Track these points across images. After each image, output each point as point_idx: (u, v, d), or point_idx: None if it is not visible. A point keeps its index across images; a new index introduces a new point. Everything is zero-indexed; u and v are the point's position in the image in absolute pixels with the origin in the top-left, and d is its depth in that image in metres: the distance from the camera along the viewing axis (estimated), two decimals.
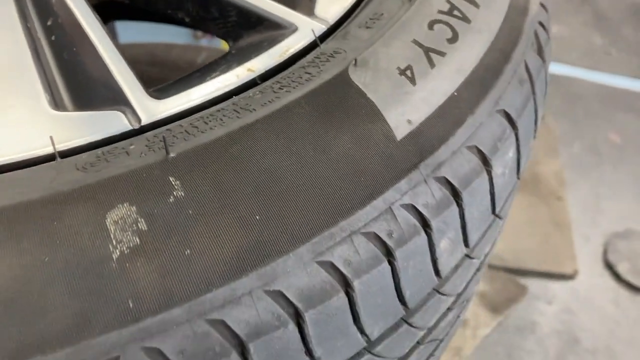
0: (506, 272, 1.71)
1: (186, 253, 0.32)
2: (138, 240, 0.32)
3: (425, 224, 0.39)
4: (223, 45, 1.53)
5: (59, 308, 0.30)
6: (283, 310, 0.33)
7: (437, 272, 0.42)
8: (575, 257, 1.71)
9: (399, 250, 0.38)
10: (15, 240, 0.31)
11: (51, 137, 0.37)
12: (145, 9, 0.57)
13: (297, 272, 0.34)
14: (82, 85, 0.44)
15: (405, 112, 0.41)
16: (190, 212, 0.33)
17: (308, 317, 0.34)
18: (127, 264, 0.31)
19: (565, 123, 2.01)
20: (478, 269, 0.52)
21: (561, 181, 1.88)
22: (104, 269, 0.31)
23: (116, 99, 0.42)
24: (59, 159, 0.37)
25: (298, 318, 0.34)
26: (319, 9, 0.51)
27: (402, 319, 0.42)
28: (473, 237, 0.45)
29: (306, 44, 0.47)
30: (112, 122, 0.40)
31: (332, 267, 0.35)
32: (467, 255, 0.46)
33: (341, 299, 0.36)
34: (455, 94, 0.43)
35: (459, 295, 0.51)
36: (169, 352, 0.31)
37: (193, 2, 0.53)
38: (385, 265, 0.37)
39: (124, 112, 0.41)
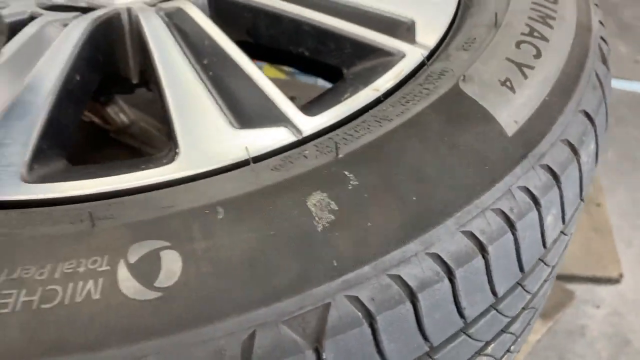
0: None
1: (368, 225, 0.43)
2: (333, 217, 0.42)
3: (536, 202, 0.49)
4: None
5: (286, 268, 0.40)
6: (440, 268, 0.44)
7: (544, 243, 0.52)
8: (619, 261, 1.75)
9: (519, 222, 0.48)
10: (246, 221, 0.42)
11: (246, 148, 0.48)
12: (268, 46, 0.69)
13: (447, 239, 0.44)
14: (244, 108, 0.55)
15: (511, 114, 0.51)
16: (365, 195, 0.44)
17: (457, 274, 0.44)
18: (329, 235, 0.42)
19: None
20: (565, 247, 0.62)
21: (599, 188, 1.95)
22: (313, 238, 0.41)
23: (279, 118, 0.53)
24: (252, 164, 0.48)
25: (450, 275, 0.44)
26: (419, 38, 0.62)
27: (517, 282, 0.52)
28: (567, 215, 0.54)
29: (415, 66, 0.58)
30: (282, 135, 0.51)
31: (472, 236, 0.45)
32: (562, 232, 0.56)
33: (480, 261, 0.46)
34: (547, 98, 0.54)
35: (553, 267, 0.60)
36: (364, 298, 0.41)
37: (313, 38, 0.65)
38: (509, 234, 0.47)
39: (287, 127, 0.52)
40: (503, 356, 0.61)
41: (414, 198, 0.45)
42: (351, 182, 0.45)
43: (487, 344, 0.54)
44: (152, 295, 0.38)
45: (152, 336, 0.37)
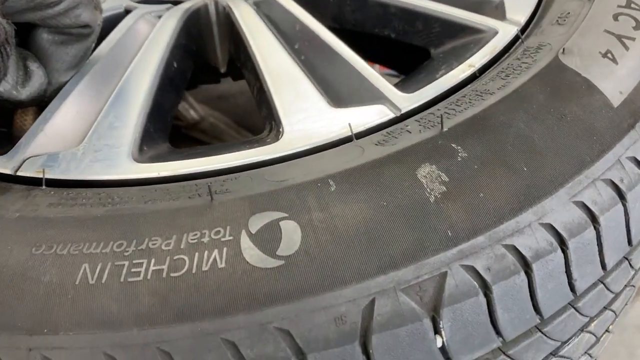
0: None
1: (480, 196, 0.43)
2: (445, 188, 0.43)
3: None
4: None
5: (401, 237, 0.41)
6: (553, 238, 0.43)
7: None
8: None
9: (629, 193, 0.47)
10: (357, 193, 0.43)
11: (349, 124, 0.49)
12: (354, 30, 0.69)
13: (560, 209, 0.44)
14: (340, 88, 0.56)
15: (615, 85, 0.50)
16: (475, 166, 0.44)
17: (571, 244, 0.44)
18: (441, 205, 0.42)
19: None
20: None
21: None
22: (426, 208, 0.42)
23: (376, 96, 0.53)
24: (355, 140, 0.49)
25: (563, 246, 0.44)
26: (509, 14, 0.61)
27: (625, 256, 0.51)
28: None
29: (509, 41, 0.58)
30: (380, 112, 0.52)
31: (583, 206, 0.45)
32: None
33: (591, 232, 0.45)
34: None
35: None
36: (480, 268, 0.41)
37: (400, 19, 0.65)
38: (620, 205, 0.46)
39: (385, 105, 0.52)
40: (602, 335, 0.60)
41: (525, 168, 0.44)
42: (460, 154, 0.45)
43: (591, 320, 0.53)
44: (275, 263, 0.39)
45: (276, 303, 0.38)
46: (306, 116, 0.52)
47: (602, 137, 0.47)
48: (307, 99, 0.53)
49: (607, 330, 0.60)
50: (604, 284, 0.50)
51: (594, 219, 0.45)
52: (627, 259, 0.51)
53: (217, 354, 0.38)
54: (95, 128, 0.52)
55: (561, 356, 0.53)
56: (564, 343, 0.52)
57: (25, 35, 0.51)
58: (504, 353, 0.46)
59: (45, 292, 0.39)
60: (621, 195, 0.46)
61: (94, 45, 0.55)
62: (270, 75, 0.56)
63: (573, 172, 0.45)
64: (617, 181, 0.46)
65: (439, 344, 0.41)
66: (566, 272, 0.45)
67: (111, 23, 0.64)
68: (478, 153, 0.45)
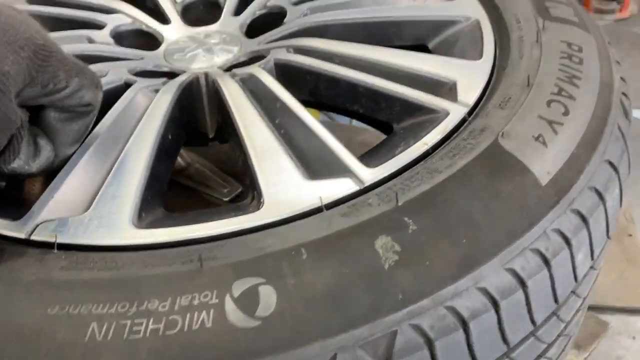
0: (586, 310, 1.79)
1: (427, 264, 0.51)
2: (397, 257, 0.51)
3: (568, 242, 0.57)
4: None
5: (360, 300, 0.49)
6: (487, 300, 0.52)
7: (575, 277, 0.59)
8: None
9: (553, 260, 0.56)
10: (325, 261, 0.51)
11: (320, 197, 0.57)
12: (327, 103, 0.79)
13: (493, 275, 0.53)
14: (313, 162, 0.65)
15: (544, 166, 0.60)
16: (423, 238, 0.53)
17: (502, 305, 0.52)
18: (394, 272, 0.50)
19: None
20: (595, 279, 0.69)
21: (630, 219, 1.97)
22: (382, 275, 0.50)
23: (344, 170, 0.62)
24: (324, 211, 0.57)
25: (496, 306, 0.52)
26: (460, 96, 0.71)
27: (553, 312, 0.60)
28: (596, 252, 0.62)
29: (458, 122, 0.67)
30: (347, 185, 0.60)
31: (514, 272, 0.54)
32: (592, 267, 0.64)
33: (520, 294, 0.54)
34: (575, 151, 0.62)
35: (584, 299, 0.68)
36: (425, 327, 0.49)
37: (367, 97, 0.74)
38: (545, 271, 0.56)
39: (351, 178, 0.61)
40: None
41: (464, 240, 0.53)
42: (411, 227, 0.53)
43: None
44: (254, 323, 0.47)
45: (254, 357, 0.46)
46: (284, 187, 0.60)
47: (531, 212, 0.56)
48: (285, 172, 0.62)
49: None
50: (535, 337, 0.59)
51: (522, 283, 0.54)
52: (555, 314, 0.60)
53: None
54: (99, 197, 0.60)
55: None
56: None
57: (34, 114, 0.59)
58: None
59: (59, 348, 0.46)
60: (546, 262, 0.56)
61: (94, 119, 0.63)
62: (254, 149, 0.64)
63: (506, 243, 0.54)
64: (543, 250, 0.55)
65: None
66: (499, 328, 0.53)
67: (113, 95, 0.72)
68: (426, 226, 0.54)
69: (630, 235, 1.98)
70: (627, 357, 1.68)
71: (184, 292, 0.49)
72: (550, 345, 0.64)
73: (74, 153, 0.63)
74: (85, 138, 0.64)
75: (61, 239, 0.56)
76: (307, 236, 0.53)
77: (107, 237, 0.57)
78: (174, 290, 0.49)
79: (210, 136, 0.79)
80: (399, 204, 0.56)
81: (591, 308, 1.73)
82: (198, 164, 1.35)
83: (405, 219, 0.54)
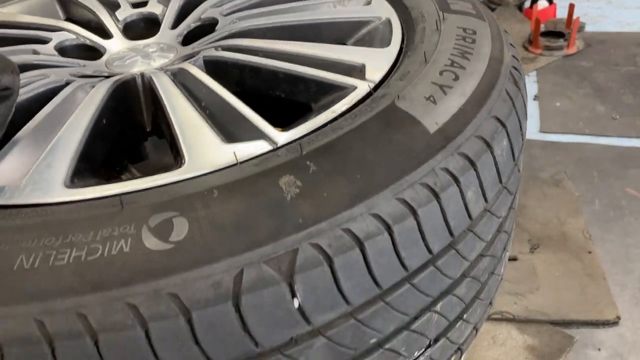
0: (551, 325, 1.83)
1: (324, 195, 0.58)
2: (298, 190, 0.58)
3: (456, 180, 0.65)
4: None
5: (265, 224, 0.55)
6: (380, 224, 0.59)
7: (469, 214, 0.67)
8: (615, 304, 1.81)
9: (442, 193, 0.63)
10: (234, 197, 0.57)
11: (234, 152, 0.64)
12: (252, 92, 0.87)
13: (385, 203, 0.59)
14: (232, 130, 0.72)
15: (432, 118, 0.68)
16: (322, 176, 0.60)
17: (395, 229, 0.59)
18: (295, 201, 0.57)
19: (582, 185, 2.16)
20: (499, 229, 0.77)
21: (588, 237, 2.05)
22: (284, 204, 0.57)
23: (260, 136, 0.70)
24: (238, 164, 0.64)
25: (389, 229, 0.59)
26: (367, 75, 0.80)
27: (450, 245, 0.66)
28: (489, 196, 0.70)
29: (364, 94, 0.76)
30: (261, 146, 0.68)
31: (404, 202, 0.61)
32: (489, 211, 0.71)
33: (412, 221, 0.61)
34: (462, 107, 0.70)
35: (490, 245, 0.74)
36: (324, 245, 0.56)
37: (286, 82, 0.83)
38: (435, 202, 0.63)
39: (265, 140, 0.69)
40: (456, 322, 0.74)
41: (359, 176, 0.60)
42: (312, 168, 0.61)
43: (434, 301, 0.68)
44: (168, 246, 0.53)
45: (168, 274, 0.52)
46: (203, 151, 0.67)
47: (420, 153, 0.64)
48: (206, 138, 0.69)
49: (460, 318, 0.75)
50: (435, 267, 0.65)
51: (413, 211, 0.61)
52: (454, 248, 0.67)
53: (122, 315, 0.50)
54: (35, 167, 0.66)
55: (414, 331, 0.67)
56: (414, 319, 0.66)
57: None
58: (354, 318, 0.60)
59: None
60: (436, 195, 0.63)
61: (15, 103, 0.69)
62: (179, 125, 0.72)
63: (395, 178, 0.61)
64: (431, 184, 0.63)
65: (296, 305, 0.55)
66: (395, 250, 0.60)
67: (54, 92, 0.79)
68: (325, 167, 0.61)
69: (590, 252, 2.05)
70: None
71: (104, 227, 0.55)
72: (456, 284, 0.70)
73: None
74: (7, 123, 0.70)
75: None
76: (219, 181, 0.60)
77: (41, 197, 0.63)
78: (96, 225, 0.55)
79: (148, 129, 0.86)
80: (303, 152, 0.63)
81: (556, 323, 1.78)
82: None
83: (307, 162, 0.61)
